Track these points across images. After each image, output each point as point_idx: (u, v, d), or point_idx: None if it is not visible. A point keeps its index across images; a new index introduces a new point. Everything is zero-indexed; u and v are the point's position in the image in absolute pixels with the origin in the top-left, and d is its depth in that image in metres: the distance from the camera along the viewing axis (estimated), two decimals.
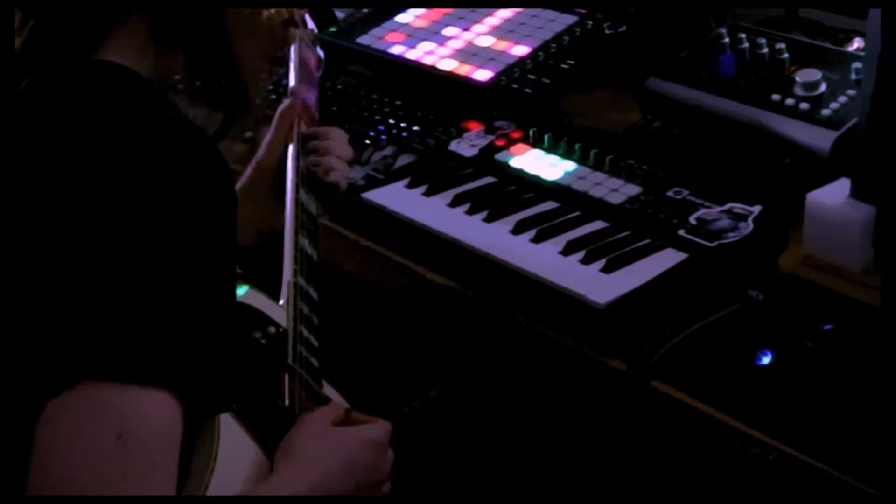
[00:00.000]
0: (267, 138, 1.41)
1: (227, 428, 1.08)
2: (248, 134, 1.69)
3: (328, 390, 1.25)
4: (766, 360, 1.31)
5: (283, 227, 1.28)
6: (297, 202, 1.30)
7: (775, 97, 1.64)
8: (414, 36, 2.01)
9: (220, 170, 1.04)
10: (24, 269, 0.98)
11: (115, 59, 1.09)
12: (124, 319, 0.95)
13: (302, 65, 1.42)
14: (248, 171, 1.42)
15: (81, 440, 0.92)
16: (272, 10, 1.18)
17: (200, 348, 0.99)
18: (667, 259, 1.46)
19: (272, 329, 1.19)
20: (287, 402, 1.15)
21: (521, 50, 1.91)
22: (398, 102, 1.90)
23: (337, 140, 1.42)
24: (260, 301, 1.21)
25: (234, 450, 1.08)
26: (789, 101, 1.63)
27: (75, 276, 0.96)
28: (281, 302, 1.21)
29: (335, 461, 1.12)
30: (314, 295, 1.26)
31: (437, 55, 1.95)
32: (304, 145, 1.39)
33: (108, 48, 1.09)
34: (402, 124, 1.84)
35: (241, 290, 1.20)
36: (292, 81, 1.40)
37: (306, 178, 1.36)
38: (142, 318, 0.95)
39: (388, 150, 1.78)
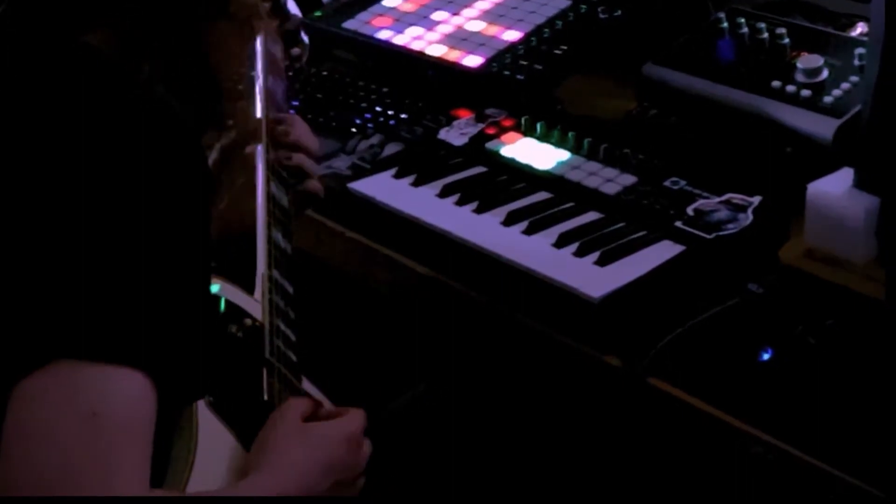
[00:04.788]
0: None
1: (205, 422, 1.09)
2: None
3: (307, 386, 1.25)
4: (766, 356, 1.30)
5: (253, 223, 1.28)
6: (269, 195, 1.30)
7: (776, 84, 1.63)
8: (401, 20, 1.99)
9: (193, 151, 1.04)
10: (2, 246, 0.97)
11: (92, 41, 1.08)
12: (98, 298, 0.95)
13: (268, 57, 1.40)
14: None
15: (55, 418, 0.92)
16: (239, 1, 1.16)
17: (175, 330, 0.99)
18: (663, 251, 1.44)
19: (248, 321, 1.19)
20: (266, 397, 1.15)
21: (512, 35, 1.89)
22: (385, 89, 1.89)
23: (302, 130, 1.41)
24: (235, 294, 1.22)
25: (213, 444, 1.09)
26: (790, 88, 1.61)
27: (49, 253, 0.95)
28: (256, 295, 1.21)
29: (313, 460, 1.12)
30: (290, 289, 1.26)
31: (425, 40, 1.93)
32: (271, 135, 1.38)
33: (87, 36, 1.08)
34: (390, 112, 1.83)
35: (215, 285, 1.20)
36: (259, 76, 1.38)
37: (277, 172, 1.36)
38: (116, 298, 0.95)
39: (374, 139, 1.76)
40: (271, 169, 1.34)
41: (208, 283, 1.08)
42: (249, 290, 1.22)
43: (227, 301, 1.20)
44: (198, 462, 1.07)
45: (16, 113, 1.02)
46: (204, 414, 1.09)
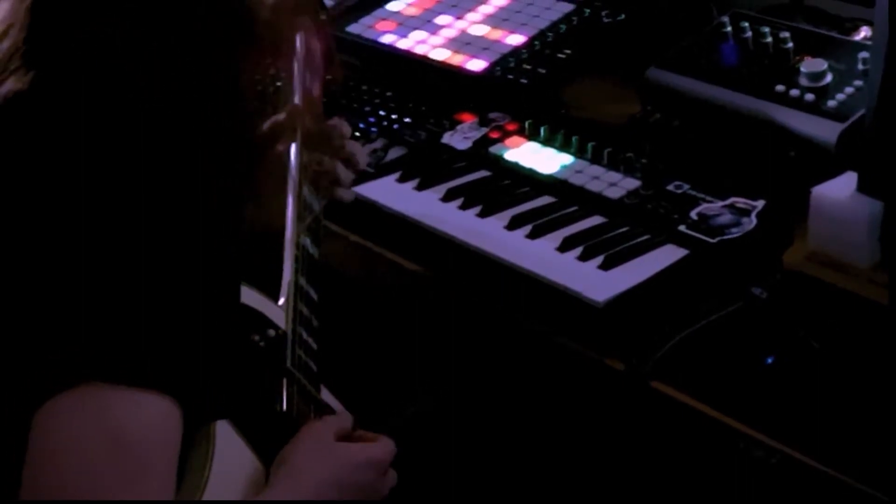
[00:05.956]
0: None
1: (222, 434, 1.07)
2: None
3: (326, 395, 1.24)
4: (769, 360, 1.30)
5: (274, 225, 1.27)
6: (300, 198, 1.28)
7: (779, 88, 1.62)
8: (405, 24, 1.99)
9: (203, 161, 1.03)
10: (18, 271, 0.97)
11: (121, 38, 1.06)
12: (121, 322, 0.94)
13: (307, 54, 1.38)
14: None
15: (77, 444, 0.92)
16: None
17: (201, 352, 0.98)
18: (667, 255, 1.44)
19: (271, 332, 1.17)
20: (285, 408, 1.14)
21: (516, 39, 1.89)
22: (389, 93, 1.88)
23: (349, 140, 1.40)
24: (258, 301, 1.20)
25: (230, 457, 1.08)
26: (794, 92, 1.61)
27: (71, 277, 0.95)
28: (280, 302, 1.20)
29: (331, 476, 1.12)
30: (314, 296, 1.24)
31: (429, 44, 1.93)
32: (323, 141, 1.37)
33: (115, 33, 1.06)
34: (393, 116, 1.82)
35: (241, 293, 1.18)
36: (296, 77, 1.36)
37: (310, 175, 1.34)
38: (139, 321, 0.95)
39: (378, 143, 1.76)
40: (304, 172, 1.32)
41: (236, 300, 1.07)
42: (274, 296, 1.20)
43: (250, 309, 1.18)
44: (213, 474, 1.05)
45: (19, 117, 1.01)
46: (221, 426, 1.08)
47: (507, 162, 1.66)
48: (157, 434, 0.95)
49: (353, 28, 2.01)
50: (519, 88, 1.79)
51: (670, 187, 1.54)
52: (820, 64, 1.61)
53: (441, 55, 1.90)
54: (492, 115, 1.75)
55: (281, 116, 1.31)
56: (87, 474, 0.92)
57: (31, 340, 0.95)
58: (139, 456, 0.93)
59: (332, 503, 1.11)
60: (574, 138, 1.65)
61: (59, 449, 0.92)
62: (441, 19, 1.98)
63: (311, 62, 1.38)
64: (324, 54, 1.42)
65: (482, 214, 1.55)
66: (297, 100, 1.34)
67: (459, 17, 1.97)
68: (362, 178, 1.67)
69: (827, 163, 1.52)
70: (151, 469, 0.94)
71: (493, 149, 1.68)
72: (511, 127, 1.72)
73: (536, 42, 1.87)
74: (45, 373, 0.93)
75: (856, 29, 1.75)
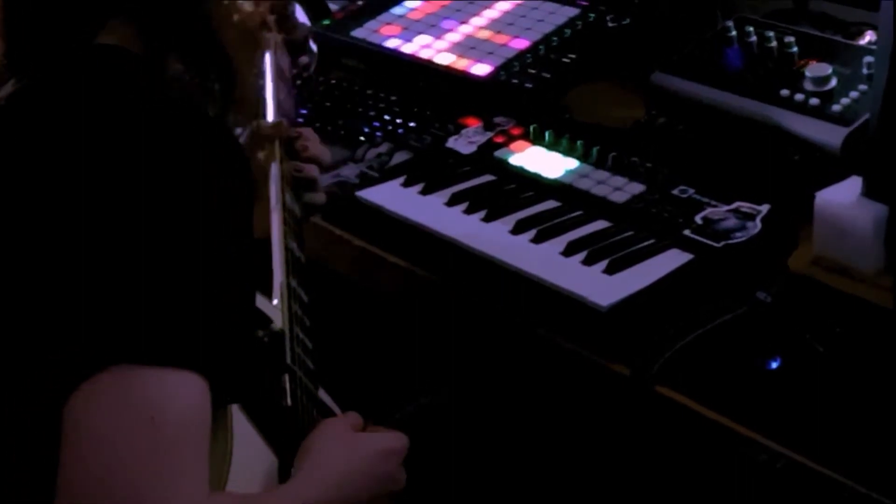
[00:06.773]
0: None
1: (239, 426, 1.09)
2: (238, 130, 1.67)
3: (323, 395, 1.25)
4: (774, 364, 1.29)
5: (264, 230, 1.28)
6: (284, 203, 1.30)
7: (784, 92, 1.62)
8: (410, 29, 2.00)
9: (234, 153, 1.06)
10: (51, 255, 0.98)
11: (112, 41, 1.08)
12: (153, 302, 0.95)
13: (277, 70, 1.41)
14: None
15: (115, 424, 0.93)
16: (246, 12, 1.16)
17: (225, 332, 1.00)
18: (672, 260, 1.44)
19: (274, 326, 1.19)
20: (289, 403, 1.15)
21: (520, 43, 1.90)
22: (394, 98, 1.89)
23: (317, 144, 1.42)
24: (258, 300, 1.21)
25: (247, 446, 1.09)
26: (799, 97, 1.61)
27: (102, 260, 0.96)
28: (275, 302, 1.21)
29: (355, 466, 1.13)
30: (305, 297, 1.26)
31: (434, 49, 1.94)
32: (289, 148, 1.39)
33: (104, 37, 1.08)
34: (398, 120, 1.83)
35: None
36: (269, 89, 1.39)
37: (291, 182, 1.36)
38: (169, 301, 0.96)
39: (383, 147, 1.76)
40: (286, 179, 1.34)
41: (252, 281, 1.09)
42: (267, 296, 1.22)
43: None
44: (234, 464, 1.07)
45: (57, 125, 1.02)
46: (238, 419, 1.09)
47: (511, 166, 1.66)
48: (190, 411, 0.96)
49: (358, 32, 2.02)
50: (523, 93, 1.79)
51: (675, 191, 1.54)
52: (825, 68, 1.61)
53: (446, 59, 1.90)
54: (496, 120, 1.75)
55: (258, 125, 1.34)
56: (121, 455, 0.92)
57: (62, 325, 0.96)
58: (175, 434, 0.94)
59: (357, 492, 1.12)
60: (579, 142, 1.65)
61: (93, 431, 0.93)
62: (446, 24, 1.98)
63: (282, 75, 1.41)
64: (294, 66, 1.44)
65: (487, 219, 1.55)
66: (271, 112, 1.36)
67: (464, 22, 1.98)
68: (367, 182, 1.67)
69: (832, 167, 1.52)
70: (188, 445, 0.95)
71: (498, 153, 1.68)
72: (516, 131, 1.72)
73: (541, 46, 1.87)
74: (76, 356, 0.94)
75: (860, 33, 1.75)
